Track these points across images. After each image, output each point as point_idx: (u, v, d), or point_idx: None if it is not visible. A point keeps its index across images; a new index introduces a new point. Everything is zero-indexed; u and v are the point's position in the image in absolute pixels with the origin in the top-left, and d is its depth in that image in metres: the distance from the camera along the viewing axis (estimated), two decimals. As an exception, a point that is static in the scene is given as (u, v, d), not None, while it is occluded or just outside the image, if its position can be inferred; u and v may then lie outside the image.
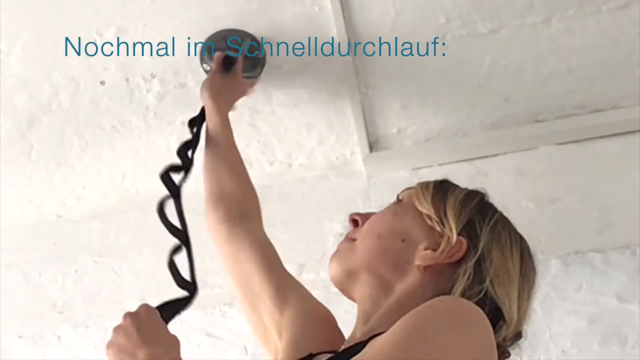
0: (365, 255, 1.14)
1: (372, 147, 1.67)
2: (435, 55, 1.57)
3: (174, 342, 1.00)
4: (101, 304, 1.71)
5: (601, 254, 1.56)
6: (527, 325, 1.14)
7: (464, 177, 1.64)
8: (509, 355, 1.11)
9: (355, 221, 1.22)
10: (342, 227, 1.65)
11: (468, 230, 1.12)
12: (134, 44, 1.53)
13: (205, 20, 1.51)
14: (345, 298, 1.65)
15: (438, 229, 1.12)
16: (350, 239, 1.20)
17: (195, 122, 1.49)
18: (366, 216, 1.21)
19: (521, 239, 1.17)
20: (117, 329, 1.00)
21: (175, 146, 1.66)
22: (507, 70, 1.60)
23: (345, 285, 1.17)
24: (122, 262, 1.72)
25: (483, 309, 1.02)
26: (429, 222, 1.13)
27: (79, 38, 1.52)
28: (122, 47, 1.53)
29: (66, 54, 1.54)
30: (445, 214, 1.13)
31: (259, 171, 1.71)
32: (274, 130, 1.67)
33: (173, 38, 1.53)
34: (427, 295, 1.04)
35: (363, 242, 1.16)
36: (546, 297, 1.53)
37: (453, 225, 1.11)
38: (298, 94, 1.62)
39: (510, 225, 1.17)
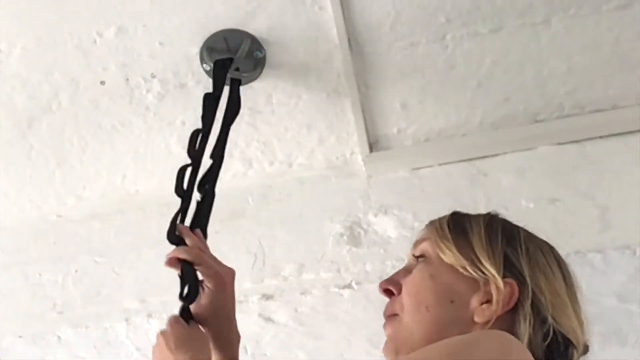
0: (423, 332, 1.07)
1: (372, 147, 1.67)
2: (435, 55, 1.57)
3: (201, 344, 1.10)
4: (101, 304, 1.71)
5: (601, 254, 1.56)
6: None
7: (464, 177, 1.65)
8: None
9: (388, 290, 1.15)
10: (342, 227, 1.66)
11: (508, 267, 1.08)
12: (134, 44, 1.53)
13: (205, 20, 1.51)
14: (345, 298, 1.65)
15: (480, 277, 1.08)
16: (392, 316, 1.13)
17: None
18: (396, 282, 1.14)
19: (547, 245, 1.15)
20: (154, 346, 1.12)
21: (175, 146, 1.67)
22: (507, 70, 1.60)
23: None
24: (122, 262, 1.72)
25: (558, 347, 1.03)
26: (466, 273, 1.09)
27: (79, 38, 1.52)
28: (122, 47, 1.53)
29: (66, 54, 1.54)
30: (480, 260, 1.08)
31: (259, 171, 1.71)
32: (274, 130, 1.67)
33: (173, 38, 1.53)
34: None
35: (414, 319, 1.09)
36: (546, 297, 1.53)
37: (494, 272, 1.06)
38: (298, 94, 1.62)
39: (534, 238, 1.14)
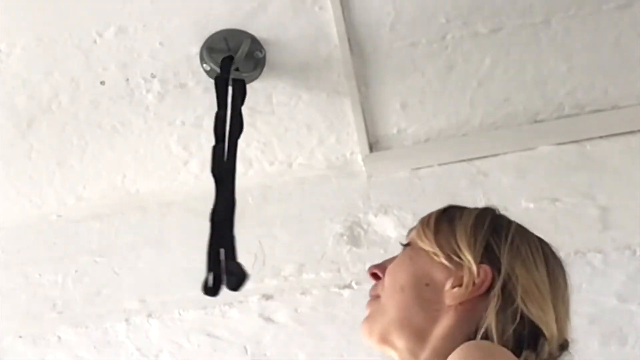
0: (396, 312, 1.11)
1: (372, 147, 1.67)
2: (435, 55, 1.57)
3: None
4: (101, 304, 1.71)
5: (601, 254, 1.56)
6: (571, 331, 1.12)
7: (464, 177, 1.65)
8: None
9: (375, 274, 1.19)
10: (342, 227, 1.66)
11: (488, 256, 1.09)
12: (134, 44, 1.53)
13: (205, 20, 1.51)
14: (345, 298, 1.65)
15: (454, 262, 1.10)
16: (375, 297, 1.17)
17: None
18: (383, 267, 1.18)
19: (542, 243, 1.15)
20: None
21: (175, 146, 1.67)
22: (507, 70, 1.60)
23: (384, 345, 1.12)
24: (122, 262, 1.72)
25: (522, 331, 1.03)
26: (437, 259, 1.11)
27: (79, 38, 1.52)
28: (122, 47, 1.53)
29: (66, 54, 1.54)
30: (459, 246, 1.11)
31: (259, 171, 1.71)
32: (274, 130, 1.67)
33: (173, 38, 1.53)
34: (464, 332, 1.03)
35: (389, 299, 1.13)
36: (546, 297, 1.53)
37: (469, 256, 1.09)
38: (298, 94, 1.62)
39: (528, 234, 1.15)
